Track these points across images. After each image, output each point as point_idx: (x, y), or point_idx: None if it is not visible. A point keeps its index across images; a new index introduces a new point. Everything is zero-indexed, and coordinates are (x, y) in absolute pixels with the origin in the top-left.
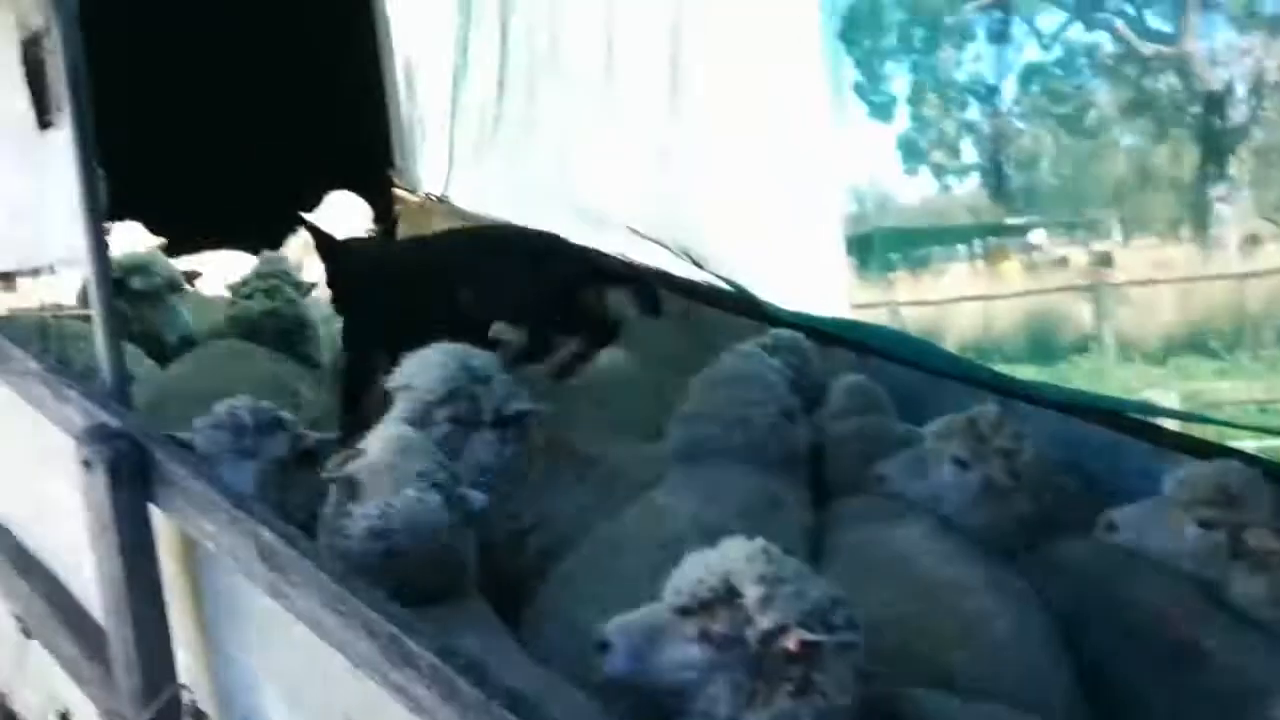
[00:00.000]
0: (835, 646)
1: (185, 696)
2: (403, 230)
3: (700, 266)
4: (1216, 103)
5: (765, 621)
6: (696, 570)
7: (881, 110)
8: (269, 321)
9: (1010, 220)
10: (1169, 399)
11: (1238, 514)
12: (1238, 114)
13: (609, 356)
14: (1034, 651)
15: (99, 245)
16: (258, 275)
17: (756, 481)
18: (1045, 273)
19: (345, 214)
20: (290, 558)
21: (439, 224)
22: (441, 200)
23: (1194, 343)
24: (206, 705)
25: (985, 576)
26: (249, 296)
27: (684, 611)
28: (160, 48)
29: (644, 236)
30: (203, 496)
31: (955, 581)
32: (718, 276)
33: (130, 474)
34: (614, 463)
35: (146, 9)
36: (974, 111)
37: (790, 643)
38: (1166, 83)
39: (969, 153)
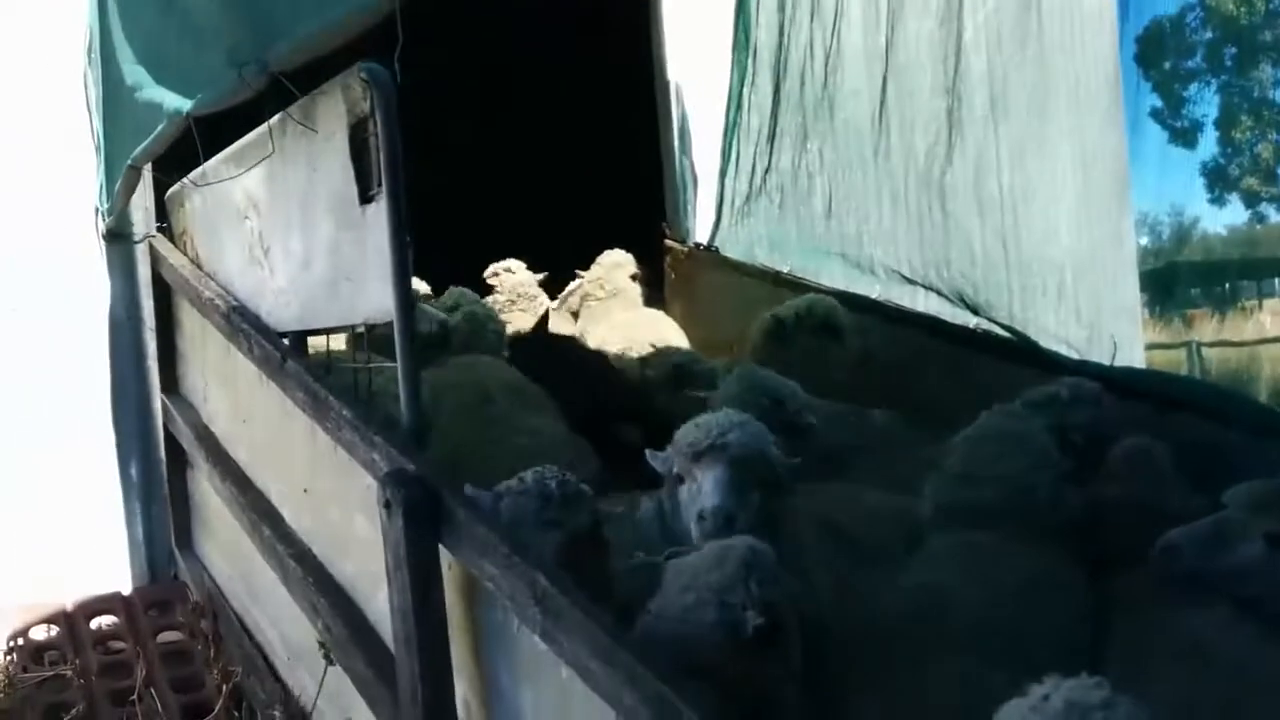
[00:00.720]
0: None
1: None
2: (671, 280)
3: (976, 312)
4: None
5: None
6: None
7: (1183, 135)
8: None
9: None
10: None
11: None
12: None
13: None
14: None
15: (405, 305)
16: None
17: (1026, 553)
18: None
19: (615, 270)
20: (563, 604)
21: (706, 273)
22: (709, 249)
23: None
24: None
25: None
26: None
27: None
28: (462, 116)
29: (914, 282)
30: (485, 540)
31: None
32: (993, 321)
33: (424, 516)
34: (864, 523)
35: (454, 89)
36: None
37: None
38: None
39: None
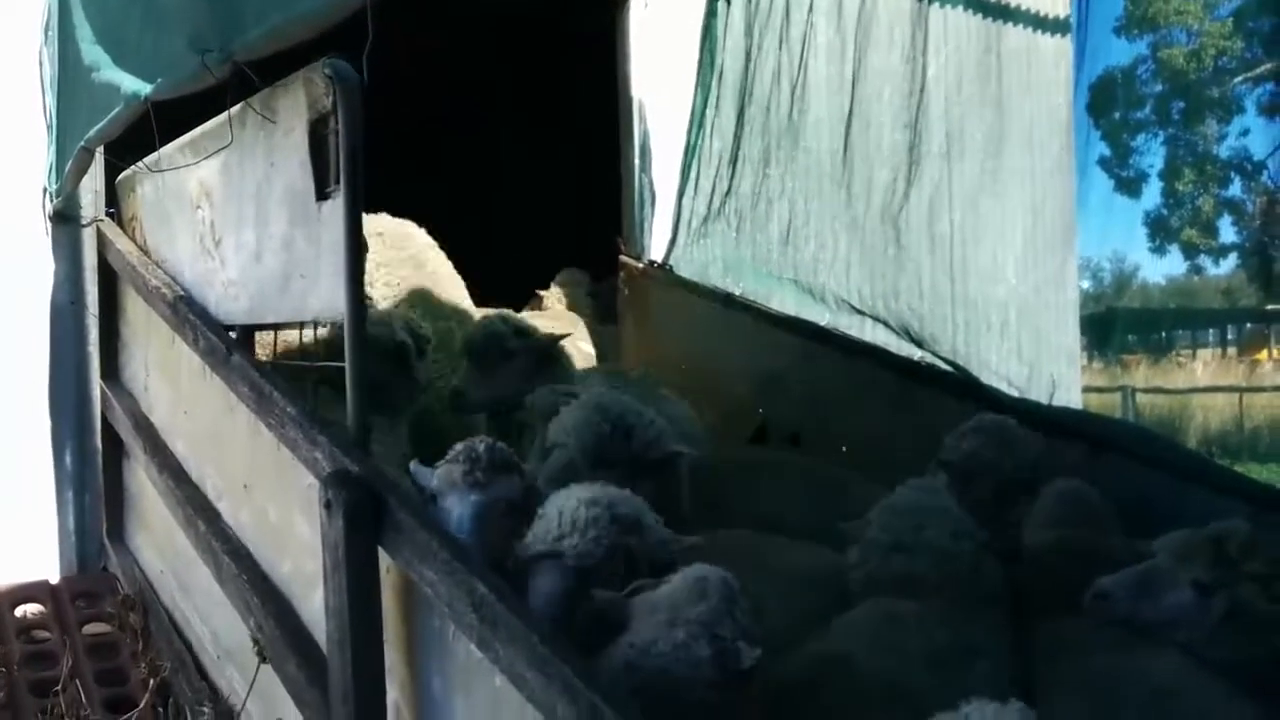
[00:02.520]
0: None
1: None
2: (624, 295)
3: (920, 345)
4: None
5: None
6: None
7: (1129, 185)
8: None
9: (1274, 306)
10: None
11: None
12: None
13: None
14: None
15: (357, 304)
16: None
17: (951, 622)
18: None
19: (571, 285)
20: (501, 613)
21: (659, 291)
22: (663, 268)
23: None
24: None
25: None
26: None
27: None
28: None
29: (863, 313)
30: (425, 545)
31: None
32: (937, 356)
33: (365, 518)
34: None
35: (413, 95)
36: (1237, 188)
37: None
38: None
39: (1227, 232)
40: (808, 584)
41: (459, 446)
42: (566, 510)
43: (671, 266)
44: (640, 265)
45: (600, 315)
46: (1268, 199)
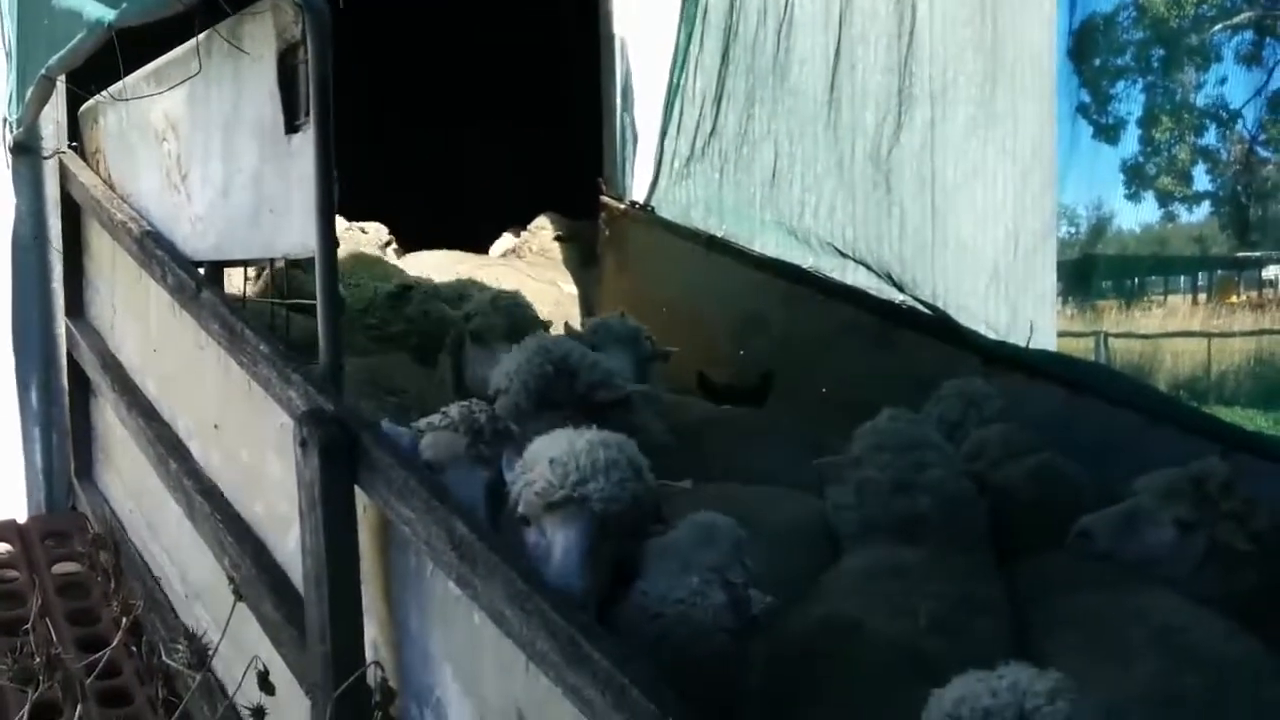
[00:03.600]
0: None
1: (376, 674)
2: (605, 236)
3: (901, 289)
4: None
5: None
6: (981, 695)
7: (1107, 132)
8: None
9: (1243, 253)
10: None
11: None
12: None
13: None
14: None
15: (328, 240)
16: None
17: (954, 571)
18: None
19: (540, 231)
20: (480, 550)
21: (640, 232)
22: (645, 209)
23: None
24: (387, 676)
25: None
26: None
27: None
28: (395, 59)
29: (846, 256)
30: (403, 483)
31: (1244, 660)
32: (917, 300)
33: (340, 456)
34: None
35: (388, 28)
36: (1212, 137)
37: None
38: None
39: (1201, 180)
40: (800, 536)
41: (453, 412)
42: (582, 452)
43: (653, 207)
44: (622, 206)
45: (581, 258)
46: (1242, 147)
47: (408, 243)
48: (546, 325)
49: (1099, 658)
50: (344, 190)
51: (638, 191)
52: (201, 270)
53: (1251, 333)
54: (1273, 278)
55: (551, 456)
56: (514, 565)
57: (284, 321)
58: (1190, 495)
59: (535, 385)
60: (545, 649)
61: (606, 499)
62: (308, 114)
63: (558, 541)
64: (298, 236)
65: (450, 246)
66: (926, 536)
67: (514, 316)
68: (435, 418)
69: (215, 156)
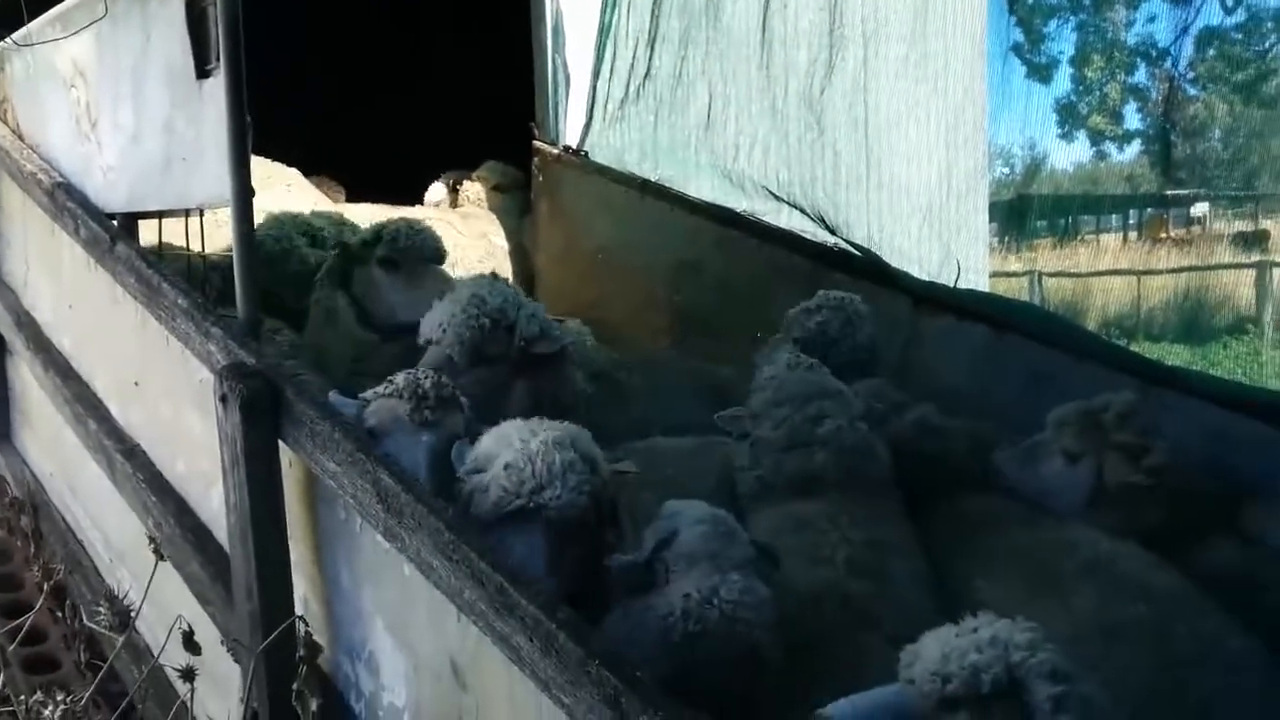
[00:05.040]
0: None
1: (300, 628)
2: (539, 182)
3: (833, 232)
4: None
5: None
6: (967, 651)
7: (1040, 71)
8: None
9: (1172, 191)
10: None
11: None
12: None
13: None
14: None
15: (244, 189)
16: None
17: (862, 519)
18: (1205, 248)
19: (483, 177)
20: (407, 501)
21: (574, 177)
22: (578, 153)
23: None
24: (317, 633)
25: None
26: None
27: (952, 702)
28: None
29: (780, 199)
30: (327, 436)
31: (1173, 591)
32: (849, 243)
33: (263, 411)
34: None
35: None
36: (1142, 76)
37: None
38: None
39: (1132, 119)
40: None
41: (398, 379)
42: (537, 455)
43: (587, 152)
44: (555, 151)
45: (520, 207)
46: (1169, 85)
47: (359, 194)
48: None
49: (1034, 593)
50: (298, 143)
51: (571, 136)
52: (115, 222)
53: (1178, 269)
54: (1200, 215)
55: (507, 462)
56: (440, 515)
57: (202, 274)
58: (1078, 426)
59: (470, 338)
60: (474, 598)
61: (564, 506)
62: (219, 58)
63: (516, 551)
64: (213, 185)
65: (399, 197)
66: (826, 489)
67: (428, 243)
68: (381, 387)
69: (125, 103)
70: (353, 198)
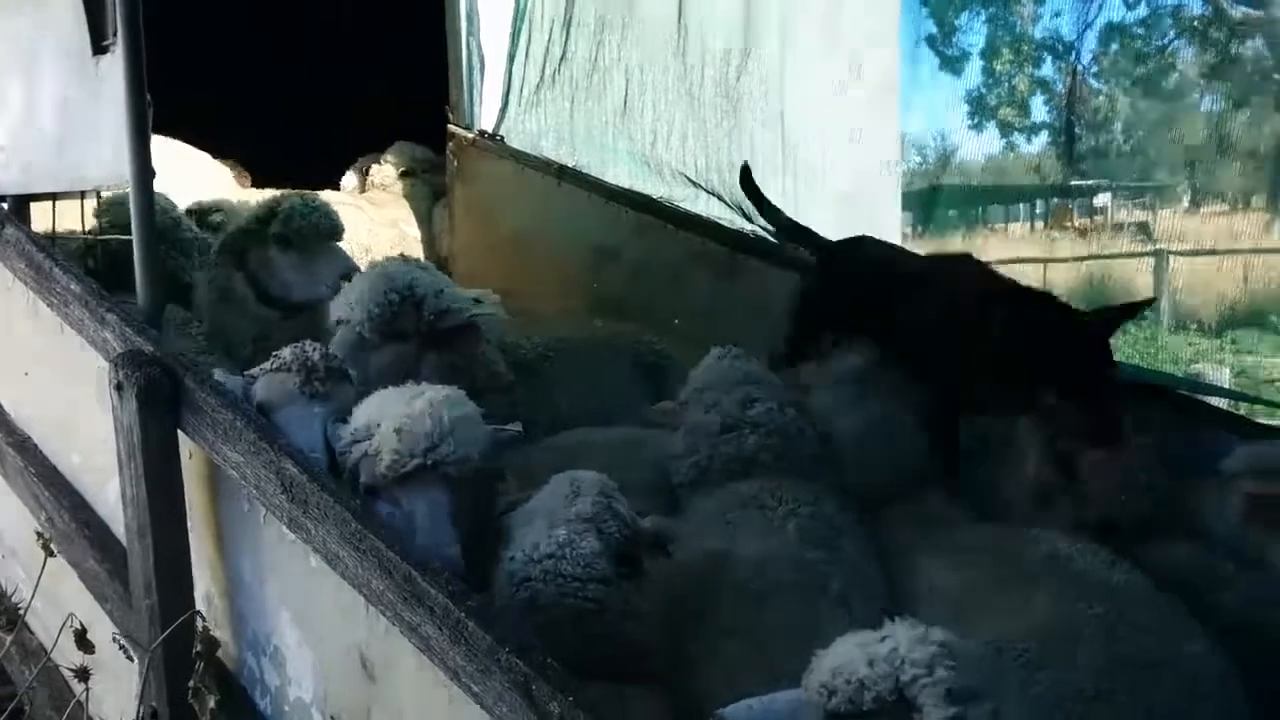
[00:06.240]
0: None
1: (199, 623)
2: (453, 167)
3: (750, 219)
4: None
5: None
6: (857, 665)
7: (953, 63)
8: None
9: (1076, 182)
10: (1220, 372)
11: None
12: None
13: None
14: None
15: (143, 168)
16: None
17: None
18: (1107, 237)
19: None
20: (312, 491)
21: (489, 162)
22: (493, 138)
23: (1253, 316)
24: (221, 628)
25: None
26: None
27: (836, 716)
28: None
29: (696, 185)
30: (229, 426)
31: (1133, 587)
32: (764, 229)
33: (161, 400)
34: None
35: None
36: (1049, 69)
37: None
38: (1253, 48)
39: (1039, 111)
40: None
41: (285, 354)
42: (425, 415)
43: (503, 137)
44: (470, 136)
45: (434, 192)
46: (1074, 79)
47: (268, 179)
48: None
49: (996, 589)
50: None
51: (486, 121)
52: (4, 204)
53: (1082, 258)
54: (1102, 205)
55: (396, 425)
56: (346, 505)
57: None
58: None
59: (380, 315)
60: (381, 588)
61: (459, 461)
62: (116, 33)
63: (420, 512)
64: (110, 166)
65: (308, 181)
66: (762, 471)
67: (324, 220)
68: (269, 362)
69: (15, 80)
70: (261, 182)
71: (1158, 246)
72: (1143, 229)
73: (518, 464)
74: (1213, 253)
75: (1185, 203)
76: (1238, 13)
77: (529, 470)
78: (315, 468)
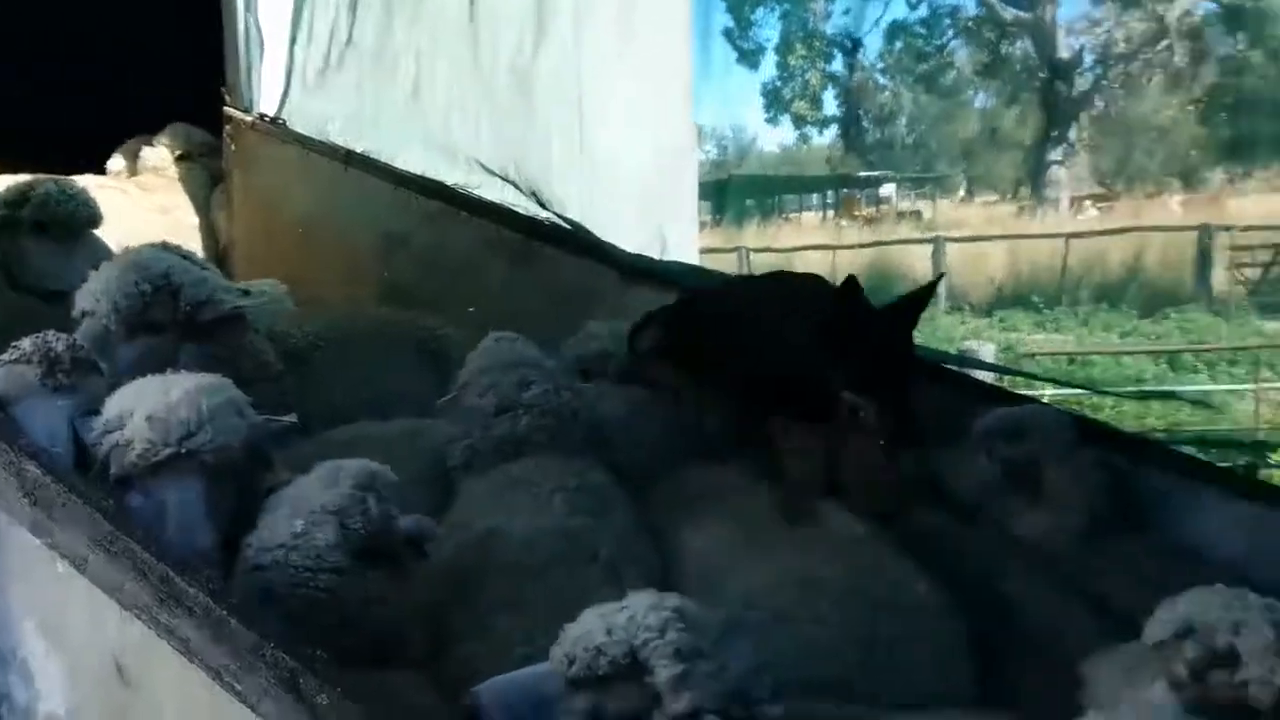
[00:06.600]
0: None
1: None
2: (231, 152)
3: (544, 206)
4: (1064, 71)
5: (677, 705)
6: (595, 633)
7: (749, 57)
8: None
9: (864, 173)
10: (988, 349)
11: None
12: (1083, 83)
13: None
14: None
15: None
16: None
17: (574, 475)
18: (891, 225)
19: (181, 143)
20: (56, 492)
21: (271, 147)
22: (275, 123)
23: (1017, 297)
24: None
25: None
26: None
27: (576, 683)
28: None
29: (490, 172)
30: None
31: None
32: (559, 217)
33: None
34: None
35: None
36: (839, 64)
37: None
38: (1022, 48)
39: (830, 104)
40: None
41: (25, 344)
42: (181, 403)
43: (285, 120)
44: (249, 119)
45: (211, 178)
46: (862, 74)
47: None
48: None
49: (747, 550)
50: None
51: (268, 104)
52: None
53: (869, 244)
54: (887, 195)
55: (149, 413)
56: (96, 505)
57: None
58: None
59: (128, 306)
60: (136, 591)
61: (217, 449)
62: None
63: (172, 502)
64: None
65: (70, 165)
66: (533, 452)
67: (81, 207)
68: (7, 354)
69: None
70: (11, 166)
71: (936, 234)
72: (923, 217)
73: (294, 457)
74: (985, 239)
75: (961, 193)
76: (1009, 15)
77: (305, 463)
78: (59, 467)
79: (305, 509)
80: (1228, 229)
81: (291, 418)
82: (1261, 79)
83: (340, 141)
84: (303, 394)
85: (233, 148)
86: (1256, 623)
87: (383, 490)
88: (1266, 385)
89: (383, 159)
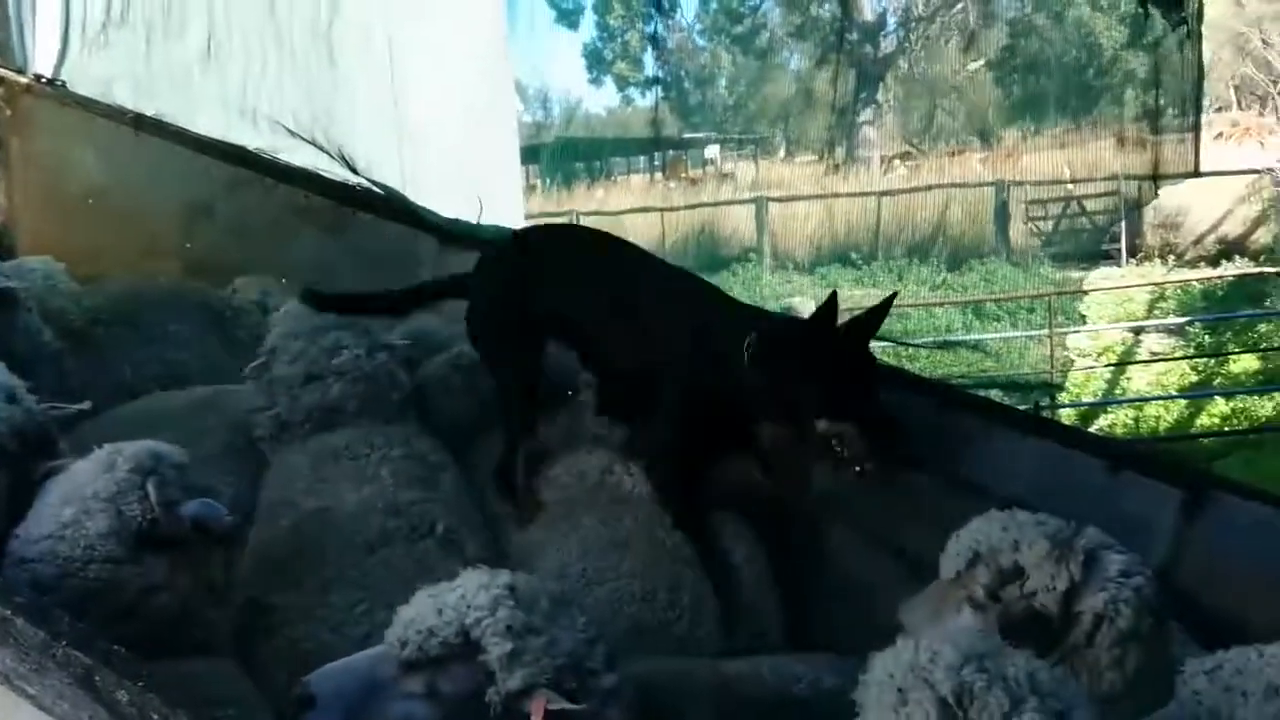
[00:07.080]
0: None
1: None
2: (6, 117)
3: (354, 170)
4: (870, 33)
5: (511, 683)
6: (427, 615)
7: (568, 17)
8: None
9: (688, 135)
10: (808, 305)
11: None
12: (888, 45)
13: None
14: None
15: None
16: None
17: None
18: (716, 186)
19: None
20: None
21: (49, 111)
22: (54, 84)
23: (838, 254)
24: None
25: None
26: None
27: (410, 665)
28: None
29: (295, 135)
30: None
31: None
32: (371, 182)
33: None
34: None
35: None
36: (658, 25)
37: (536, 711)
38: (830, 9)
39: (651, 66)
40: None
41: None
42: None
43: (64, 82)
44: (23, 80)
45: None
46: (681, 36)
47: None
48: None
49: (564, 515)
50: None
51: (43, 64)
52: None
53: (695, 206)
54: (712, 157)
55: None
56: None
57: None
58: None
59: None
60: None
61: None
62: None
63: None
64: None
65: None
66: (348, 420)
67: None
68: None
69: None
70: None
71: (758, 194)
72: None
73: (80, 439)
74: (803, 198)
75: (781, 153)
76: None
77: (92, 445)
78: None
79: (76, 496)
80: (1021, 184)
81: (86, 404)
82: (1045, 40)
83: (130, 105)
84: (87, 372)
85: (7, 113)
86: (1031, 536)
87: (167, 473)
88: (1059, 330)
89: (178, 123)
